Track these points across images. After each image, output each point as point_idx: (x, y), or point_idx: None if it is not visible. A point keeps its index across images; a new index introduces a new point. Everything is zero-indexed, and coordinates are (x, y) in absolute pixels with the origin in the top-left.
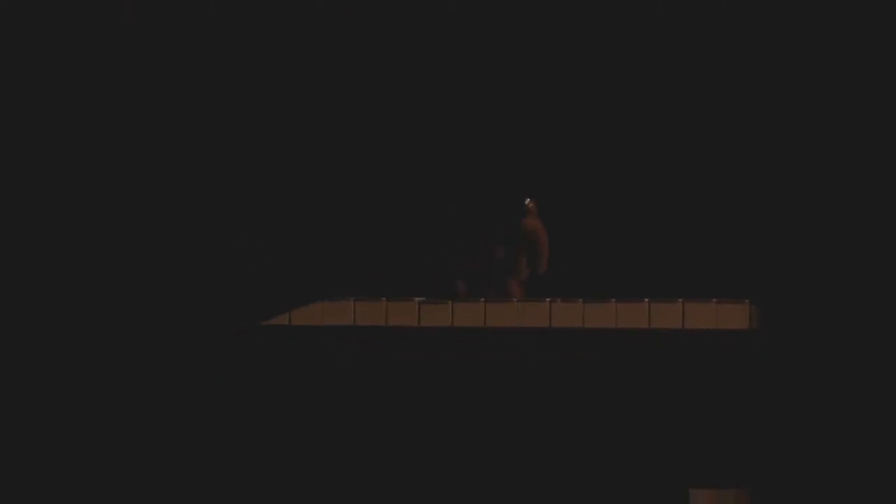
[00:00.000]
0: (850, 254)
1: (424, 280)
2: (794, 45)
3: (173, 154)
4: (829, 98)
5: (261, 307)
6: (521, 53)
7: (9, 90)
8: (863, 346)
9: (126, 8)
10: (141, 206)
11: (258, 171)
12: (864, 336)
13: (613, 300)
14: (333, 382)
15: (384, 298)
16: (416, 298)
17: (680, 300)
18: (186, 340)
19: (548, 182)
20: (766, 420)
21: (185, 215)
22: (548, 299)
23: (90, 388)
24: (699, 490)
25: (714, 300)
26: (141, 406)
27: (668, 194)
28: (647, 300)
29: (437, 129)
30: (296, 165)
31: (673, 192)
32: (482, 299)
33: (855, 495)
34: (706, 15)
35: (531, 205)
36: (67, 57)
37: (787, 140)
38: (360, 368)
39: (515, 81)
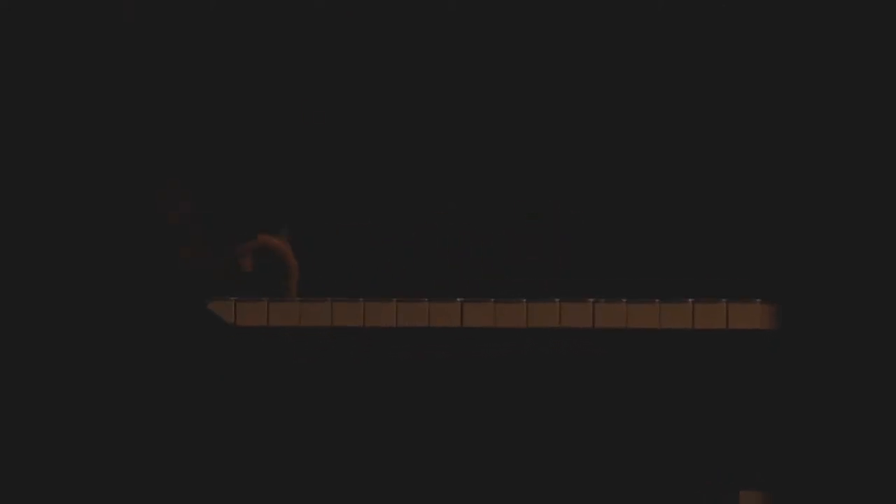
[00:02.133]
0: (863, 252)
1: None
2: (805, 42)
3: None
4: (838, 96)
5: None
6: (527, 53)
7: (9, 90)
8: (879, 345)
9: (126, 8)
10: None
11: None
12: (880, 335)
13: (624, 301)
14: (333, 385)
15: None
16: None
17: (690, 300)
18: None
19: (549, 182)
20: (781, 421)
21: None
22: (557, 300)
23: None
24: (750, 492)
25: (724, 300)
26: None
27: (676, 192)
28: (657, 301)
29: (439, 129)
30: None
31: (681, 189)
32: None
33: (873, 497)
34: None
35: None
36: (67, 57)
37: (799, 137)
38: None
39: (524, 82)
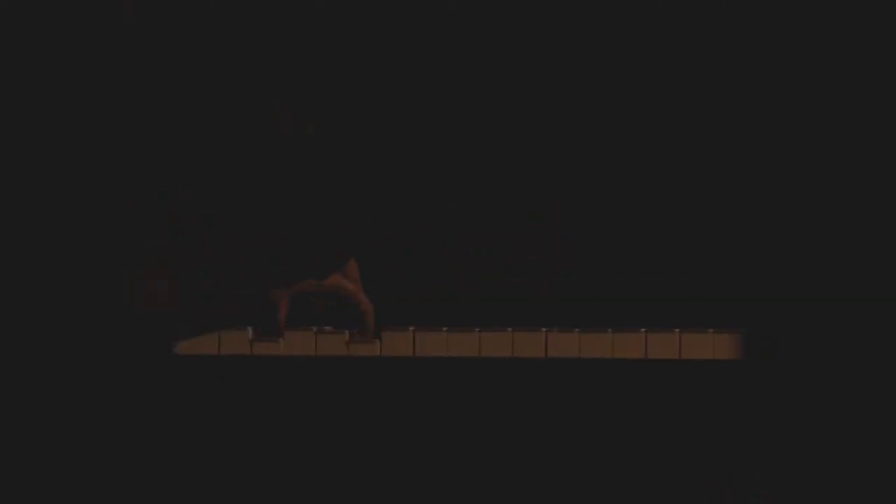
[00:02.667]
0: (849, 281)
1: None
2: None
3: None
4: (832, 128)
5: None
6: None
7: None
8: (863, 374)
9: (126, 8)
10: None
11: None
12: (863, 364)
13: (609, 330)
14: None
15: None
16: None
17: (677, 330)
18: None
19: (539, 203)
20: (767, 447)
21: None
22: (543, 329)
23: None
24: None
25: (711, 330)
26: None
27: (662, 223)
28: (643, 330)
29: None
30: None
31: (667, 220)
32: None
33: None
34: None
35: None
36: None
37: (781, 163)
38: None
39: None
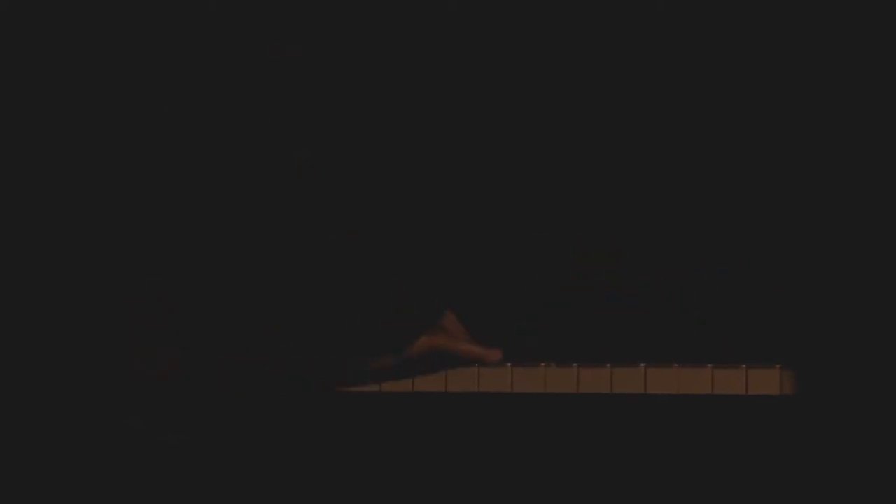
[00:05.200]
0: (885, 315)
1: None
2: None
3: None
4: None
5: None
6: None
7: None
8: None
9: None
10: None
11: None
12: None
13: (642, 365)
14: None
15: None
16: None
17: (709, 366)
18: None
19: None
20: (798, 486)
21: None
22: (575, 365)
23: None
24: None
25: (744, 366)
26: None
27: (693, 259)
28: (676, 365)
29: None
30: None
31: (698, 255)
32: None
33: None
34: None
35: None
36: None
37: (815, 197)
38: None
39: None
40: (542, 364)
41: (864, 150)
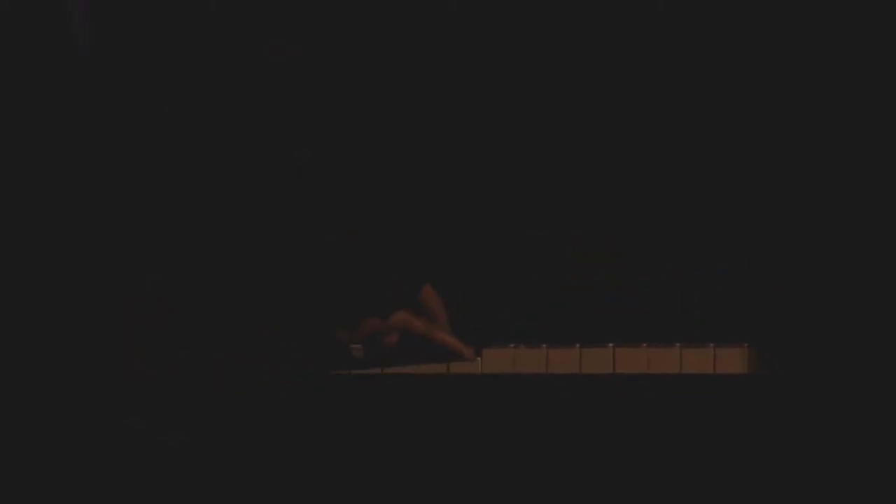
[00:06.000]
0: (854, 295)
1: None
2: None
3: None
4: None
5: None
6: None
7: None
8: (870, 388)
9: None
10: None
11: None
12: (870, 378)
13: (611, 345)
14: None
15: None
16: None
17: (677, 345)
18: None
19: (538, 217)
20: (768, 463)
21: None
22: (544, 346)
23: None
24: None
25: (712, 345)
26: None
27: (663, 238)
28: (644, 345)
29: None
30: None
31: (668, 235)
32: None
33: None
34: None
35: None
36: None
37: (784, 179)
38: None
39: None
40: (512, 345)
41: (843, 140)
